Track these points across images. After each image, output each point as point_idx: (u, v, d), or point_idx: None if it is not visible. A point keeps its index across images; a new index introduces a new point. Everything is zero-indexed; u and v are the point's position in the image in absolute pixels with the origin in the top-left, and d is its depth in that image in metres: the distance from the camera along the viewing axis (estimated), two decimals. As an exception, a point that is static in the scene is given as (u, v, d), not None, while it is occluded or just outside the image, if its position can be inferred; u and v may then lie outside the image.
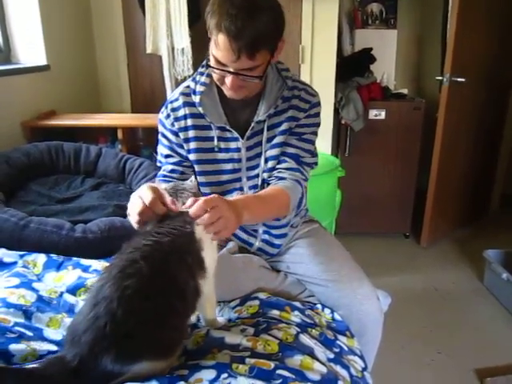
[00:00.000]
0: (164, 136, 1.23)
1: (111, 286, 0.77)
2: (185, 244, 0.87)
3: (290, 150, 1.22)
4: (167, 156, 1.23)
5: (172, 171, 1.22)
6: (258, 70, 1.06)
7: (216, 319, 1.05)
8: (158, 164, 1.28)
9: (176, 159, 1.22)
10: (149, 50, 2.67)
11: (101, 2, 2.87)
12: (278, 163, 1.22)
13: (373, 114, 2.83)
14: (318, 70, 2.76)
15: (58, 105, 2.57)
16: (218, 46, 1.00)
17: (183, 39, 2.57)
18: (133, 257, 0.80)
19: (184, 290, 0.84)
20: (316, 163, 1.28)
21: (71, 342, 0.78)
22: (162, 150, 1.25)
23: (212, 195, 0.91)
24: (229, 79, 1.06)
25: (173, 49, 2.62)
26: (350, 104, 2.76)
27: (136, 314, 0.76)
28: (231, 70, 1.04)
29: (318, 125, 1.26)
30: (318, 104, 1.24)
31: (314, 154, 1.27)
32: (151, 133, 2.29)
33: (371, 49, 2.86)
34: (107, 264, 1.10)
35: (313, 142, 1.26)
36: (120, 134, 2.42)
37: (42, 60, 2.46)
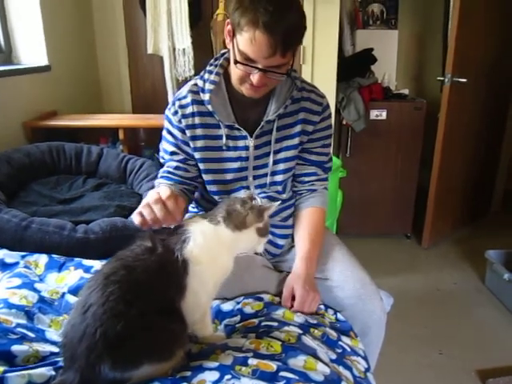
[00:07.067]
0: (169, 133, 1.22)
1: (97, 292, 0.79)
2: (168, 264, 0.86)
3: (315, 158, 1.28)
4: (172, 153, 1.22)
5: (177, 168, 1.21)
6: (284, 67, 1.08)
7: (214, 334, 1.01)
8: (161, 160, 1.27)
9: (181, 157, 1.22)
10: (150, 51, 2.67)
11: (102, 3, 2.87)
12: (305, 176, 1.29)
13: (374, 114, 2.83)
14: (319, 71, 2.75)
15: (59, 105, 2.57)
16: (254, 42, 1.00)
17: (184, 40, 2.56)
18: (117, 265, 0.84)
19: (168, 295, 0.85)
20: (331, 166, 1.35)
21: (71, 358, 0.79)
22: (166, 146, 1.24)
23: (291, 284, 1.15)
24: (255, 76, 1.07)
25: (174, 49, 2.62)
26: (351, 104, 2.75)
27: (122, 317, 0.77)
28: (260, 66, 1.05)
29: (332, 127, 1.31)
30: (328, 106, 1.27)
31: (331, 157, 1.34)
32: (152, 133, 2.30)
33: (372, 49, 2.86)
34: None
35: (331, 145, 1.32)
36: (121, 135, 2.41)
37: (43, 60, 2.46)
